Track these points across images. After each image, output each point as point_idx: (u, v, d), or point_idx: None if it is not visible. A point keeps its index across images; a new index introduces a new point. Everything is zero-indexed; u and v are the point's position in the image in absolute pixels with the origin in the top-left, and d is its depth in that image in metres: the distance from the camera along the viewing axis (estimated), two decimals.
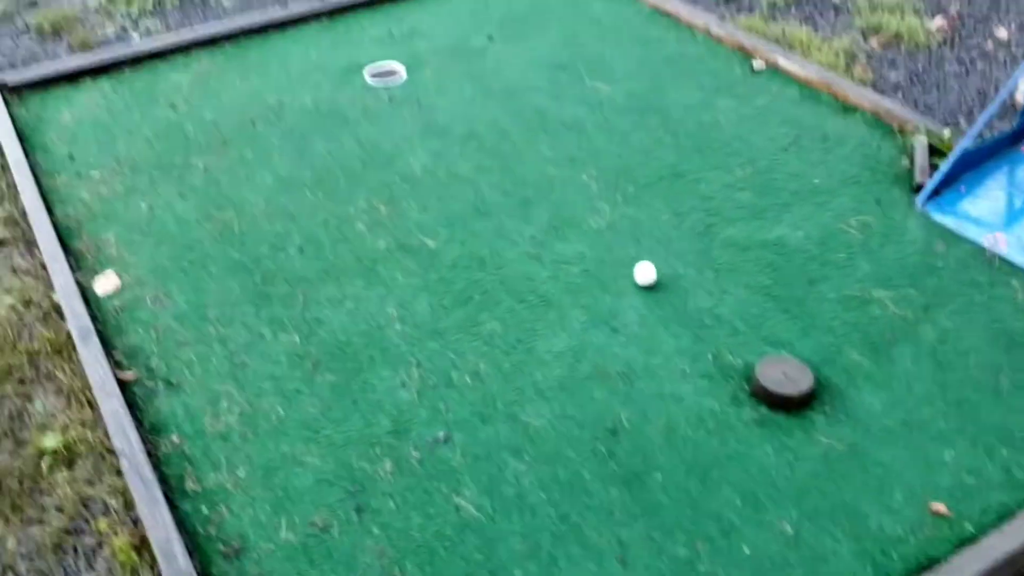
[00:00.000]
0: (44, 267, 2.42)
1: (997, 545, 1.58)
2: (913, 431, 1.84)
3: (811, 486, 1.74)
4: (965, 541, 1.62)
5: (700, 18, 3.40)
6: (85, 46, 3.59)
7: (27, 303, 2.34)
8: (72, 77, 3.21)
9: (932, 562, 1.60)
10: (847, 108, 2.87)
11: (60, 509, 1.87)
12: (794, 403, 1.88)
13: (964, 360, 1.99)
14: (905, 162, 2.61)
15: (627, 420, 1.89)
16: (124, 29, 3.73)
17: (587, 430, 1.87)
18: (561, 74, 3.15)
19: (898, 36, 3.39)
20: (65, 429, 2.01)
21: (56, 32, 3.70)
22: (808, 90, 2.97)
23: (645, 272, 2.20)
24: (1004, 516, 1.65)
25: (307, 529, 1.71)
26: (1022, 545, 1.57)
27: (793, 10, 3.63)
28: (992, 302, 2.14)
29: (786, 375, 1.91)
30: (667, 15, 3.49)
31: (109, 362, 2.01)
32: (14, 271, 2.47)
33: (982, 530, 1.63)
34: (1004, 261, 2.26)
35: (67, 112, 3.02)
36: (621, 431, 1.86)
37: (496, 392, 1.96)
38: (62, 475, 1.93)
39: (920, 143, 2.61)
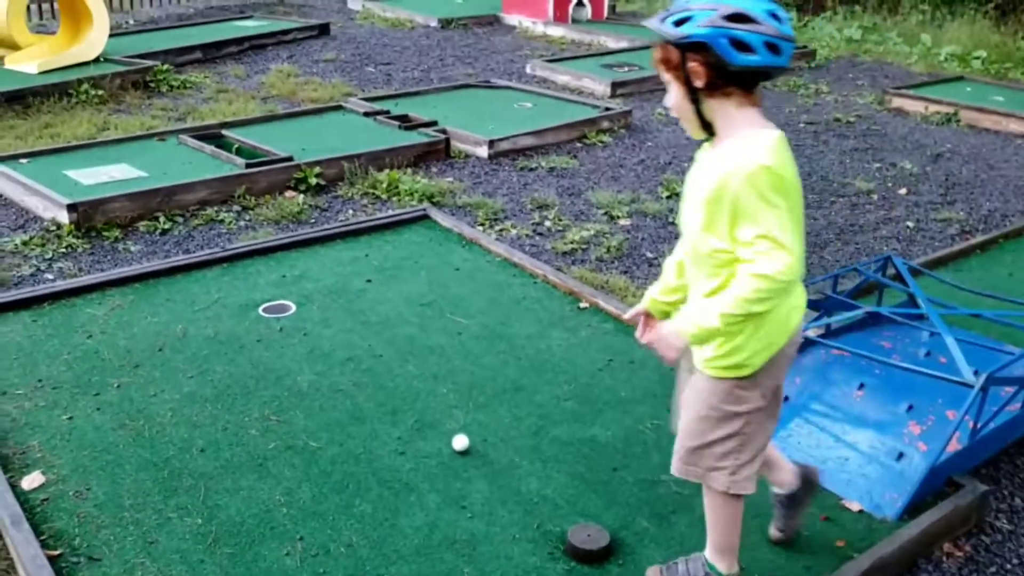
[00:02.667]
0: None
1: None
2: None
3: None
4: None
5: (540, 268, 4.41)
6: (2, 284, 4.24)
7: None
8: None
9: None
10: None
11: None
12: (595, 557, 2.59)
13: None
14: None
15: (469, 574, 2.53)
16: (39, 270, 4.42)
17: None
18: (427, 310, 4.02)
19: None
20: None
21: None
22: (621, 325, 3.93)
23: (460, 442, 3.05)
24: None
25: None
26: None
27: (616, 263, 4.72)
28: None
29: (590, 536, 2.63)
30: (514, 265, 4.49)
31: (38, 541, 2.52)
32: None
33: None
34: None
35: None
36: None
37: (365, 557, 2.58)
38: None
39: None
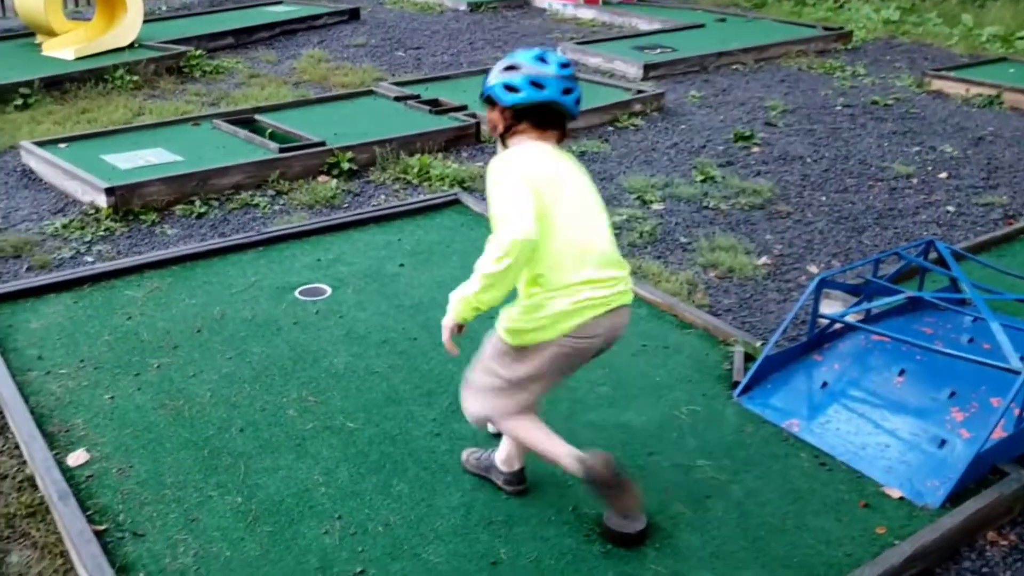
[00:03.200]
0: (17, 447, 3.00)
1: None
2: (719, 559, 2.57)
3: None
4: None
5: None
6: (44, 266, 4.32)
7: (2, 477, 2.90)
8: (37, 291, 3.91)
9: None
10: (684, 325, 3.83)
11: None
12: (631, 540, 2.60)
13: (761, 509, 2.77)
14: (726, 366, 3.52)
15: (505, 555, 2.56)
16: (79, 252, 4.50)
17: (474, 563, 2.53)
18: None
19: (731, 270, 4.47)
20: None
21: (17, 254, 4.44)
22: (655, 310, 3.93)
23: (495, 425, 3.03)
24: None
25: None
26: None
27: (649, 248, 4.71)
28: (785, 469, 2.96)
29: (626, 519, 2.64)
30: None
31: (84, 516, 2.58)
32: None
33: None
34: (797, 439, 3.11)
35: (34, 321, 3.70)
36: (500, 563, 2.53)
37: (403, 536, 2.62)
38: None
39: (737, 351, 3.54)
